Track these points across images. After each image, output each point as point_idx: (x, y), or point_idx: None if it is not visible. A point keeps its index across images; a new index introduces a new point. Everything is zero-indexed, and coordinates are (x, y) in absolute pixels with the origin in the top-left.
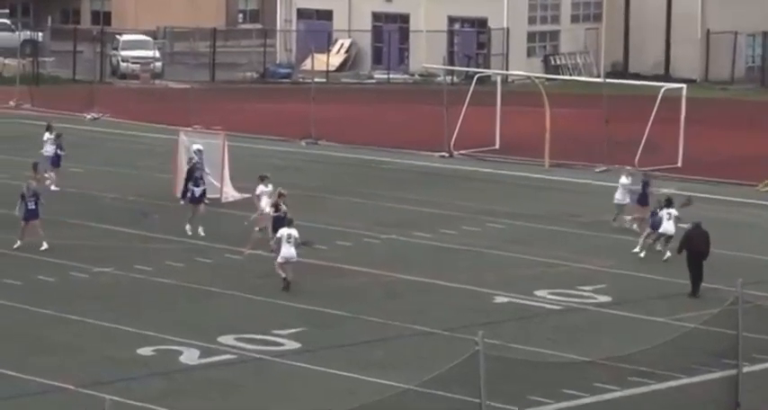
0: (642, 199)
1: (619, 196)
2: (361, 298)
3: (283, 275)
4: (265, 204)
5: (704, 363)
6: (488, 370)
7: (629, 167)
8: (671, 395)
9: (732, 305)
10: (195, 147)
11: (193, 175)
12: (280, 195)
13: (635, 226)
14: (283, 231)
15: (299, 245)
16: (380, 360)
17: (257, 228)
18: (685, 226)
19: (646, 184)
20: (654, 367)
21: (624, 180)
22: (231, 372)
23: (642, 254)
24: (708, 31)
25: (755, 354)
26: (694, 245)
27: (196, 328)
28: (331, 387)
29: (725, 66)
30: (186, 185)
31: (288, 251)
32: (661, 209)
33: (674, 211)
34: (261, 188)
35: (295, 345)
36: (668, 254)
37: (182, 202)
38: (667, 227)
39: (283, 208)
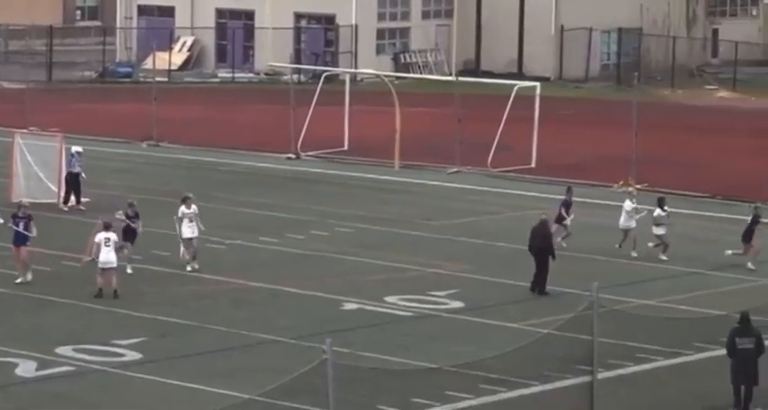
0: (746, 235)
1: (623, 221)
2: (206, 306)
3: (100, 282)
4: (186, 229)
5: (558, 370)
6: (337, 379)
7: (631, 189)
8: (524, 402)
9: (587, 310)
10: (74, 149)
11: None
12: (130, 205)
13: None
14: (101, 235)
15: (118, 248)
16: (225, 370)
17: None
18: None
19: (755, 220)
20: (507, 374)
21: (629, 205)
22: (70, 384)
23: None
24: (561, 27)
25: (611, 360)
26: (534, 241)
27: (33, 339)
28: (174, 399)
29: (579, 63)
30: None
31: (106, 256)
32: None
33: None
34: (182, 210)
35: (136, 356)
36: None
37: (65, 208)
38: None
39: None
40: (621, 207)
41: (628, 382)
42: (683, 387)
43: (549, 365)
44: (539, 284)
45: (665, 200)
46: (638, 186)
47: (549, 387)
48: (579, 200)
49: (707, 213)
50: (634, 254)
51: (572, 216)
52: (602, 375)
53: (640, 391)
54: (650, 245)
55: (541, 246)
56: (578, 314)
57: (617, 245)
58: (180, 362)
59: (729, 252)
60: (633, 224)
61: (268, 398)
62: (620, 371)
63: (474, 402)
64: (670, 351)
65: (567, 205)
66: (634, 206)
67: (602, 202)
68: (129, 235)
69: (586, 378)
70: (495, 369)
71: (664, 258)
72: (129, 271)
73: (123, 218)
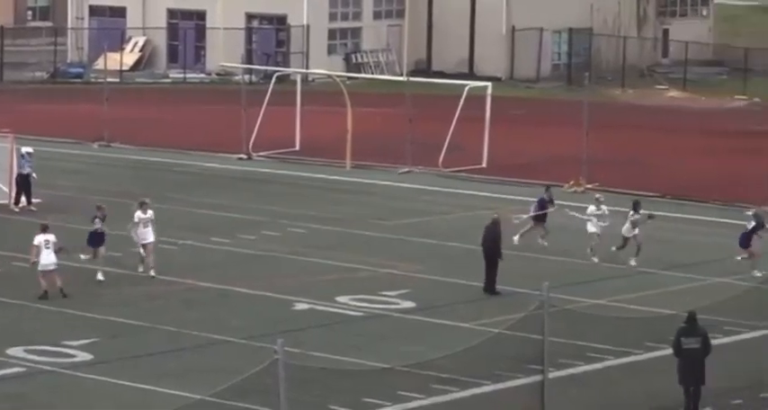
0: (744, 239)
1: (589, 227)
2: (158, 307)
3: (43, 284)
4: (141, 233)
5: (509, 369)
6: (288, 379)
7: (598, 195)
8: (476, 402)
9: (538, 309)
10: (24, 150)
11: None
12: (99, 208)
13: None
14: (40, 237)
15: (58, 250)
16: (176, 371)
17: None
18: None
19: (758, 226)
20: (458, 373)
21: (592, 210)
22: (21, 385)
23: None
24: (513, 27)
25: (562, 359)
26: (485, 240)
27: None
28: (124, 399)
29: (530, 63)
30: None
31: (47, 258)
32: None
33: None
34: (138, 215)
35: (87, 356)
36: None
37: (16, 209)
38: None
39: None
40: (585, 211)
41: (578, 381)
42: (633, 386)
43: (500, 364)
44: (490, 284)
45: (640, 204)
46: (589, 185)
47: (500, 386)
48: (530, 199)
49: (657, 212)
50: (595, 259)
51: (530, 214)
52: (553, 374)
53: (591, 390)
54: (613, 248)
55: (490, 247)
56: (529, 313)
57: (613, 248)
58: (131, 363)
59: (739, 258)
60: (597, 229)
61: (219, 399)
62: (571, 371)
63: (425, 402)
64: (620, 350)
65: (541, 203)
66: (599, 213)
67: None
68: (97, 239)
69: (537, 378)
70: (446, 369)
71: (633, 263)
72: (100, 277)
73: (99, 225)
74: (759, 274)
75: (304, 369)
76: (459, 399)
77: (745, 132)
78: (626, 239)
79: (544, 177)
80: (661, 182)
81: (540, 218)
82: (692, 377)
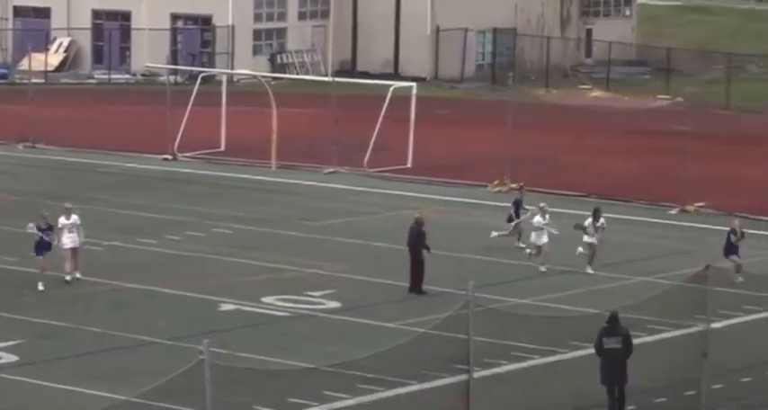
0: (728, 250)
1: (533, 237)
2: (84, 308)
3: None
4: (66, 239)
5: (435, 369)
6: (214, 380)
7: (543, 204)
8: (402, 402)
9: (463, 309)
10: None
11: None
12: (43, 217)
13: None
14: None
15: None
16: (102, 372)
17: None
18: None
19: (732, 233)
20: (384, 373)
21: (538, 220)
22: None
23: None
24: (437, 27)
25: (487, 359)
26: (409, 240)
27: None
28: (50, 401)
29: (455, 64)
30: None
31: None
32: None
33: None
34: (62, 221)
35: (13, 358)
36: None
37: None
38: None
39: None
40: (531, 223)
41: (504, 381)
42: (558, 385)
43: (425, 364)
44: (416, 284)
45: (600, 211)
46: (514, 185)
47: (426, 386)
48: (455, 199)
49: (582, 212)
50: (542, 269)
51: (525, 216)
52: (478, 374)
53: (516, 390)
54: (580, 250)
55: (415, 245)
56: (454, 313)
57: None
58: (57, 364)
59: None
60: (545, 239)
61: (145, 400)
62: (496, 370)
63: (351, 402)
64: (545, 349)
65: (517, 204)
66: (545, 222)
67: (478, 202)
68: (42, 247)
69: (463, 377)
70: (372, 369)
71: (590, 272)
72: (40, 287)
73: (35, 231)
74: (743, 280)
75: (230, 369)
76: (385, 399)
77: (668, 132)
78: (590, 246)
79: (469, 177)
80: (585, 182)
81: (511, 219)
82: (614, 376)
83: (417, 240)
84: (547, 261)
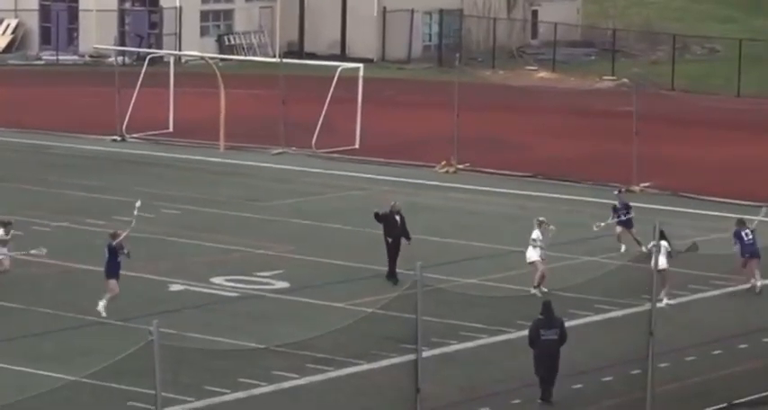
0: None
1: (529, 253)
2: (33, 289)
3: None
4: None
5: (384, 348)
6: (163, 360)
7: (542, 218)
8: (351, 381)
9: (411, 289)
10: None
11: None
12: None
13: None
14: None
15: None
16: (52, 352)
17: None
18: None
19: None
20: (333, 353)
21: (536, 234)
22: None
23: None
24: (384, 8)
25: (434, 338)
26: (390, 230)
27: None
28: (0, 382)
29: (402, 45)
30: None
31: None
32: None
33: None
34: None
35: None
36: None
37: None
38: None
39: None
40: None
41: (452, 360)
42: (505, 364)
43: (374, 344)
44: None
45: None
46: (461, 166)
47: (375, 365)
48: (402, 180)
49: (528, 192)
50: (543, 290)
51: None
52: (426, 353)
53: (464, 368)
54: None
55: (398, 235)
56: (402, 293)
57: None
58: (5, 345)
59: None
60: (536, 256)
61: (94, 380)
62: (445, 349)
63: (301, 381)
64: (492, 328)
65: (625, 207)
66: (539, 236)
67: (426, 182)
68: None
69: (411, 357)
70: (321, 349)
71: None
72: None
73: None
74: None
75: (179, 350)
76: (335, 378)
77: (613, 113)
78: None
79: (416, 158)
80: (532, 163)
81: (624, 224)
82: (550, 366)
83: (402, 230)
84: (542, 282)
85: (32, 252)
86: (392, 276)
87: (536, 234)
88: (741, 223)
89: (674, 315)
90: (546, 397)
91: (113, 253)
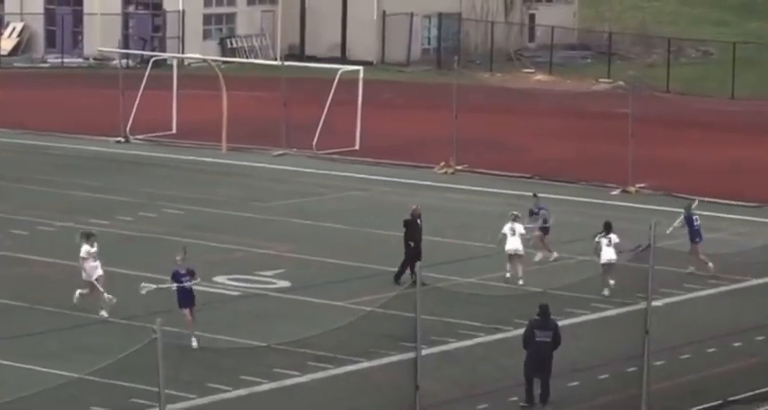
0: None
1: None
2: (38, 288)
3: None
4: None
5: (383, 347)
6: (167, 358)
7: (515, 212)
8: (352, 379)
9: (410, 287)
10: None
11: None
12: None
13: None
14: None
15: None
16: (56, 350)
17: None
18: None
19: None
20: (333, 351)
21: (519, 227)
22: None
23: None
24: (384, 12)
25: (434, 336)
26: (411, 235)
27: None
28: (3, 379)
29: (401, 48)
30: None
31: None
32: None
33: (614, 237)
34: (86, 249)
35: None
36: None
37: None
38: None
39: None
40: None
41: (450, 358)
42: (502, 362)
43: (374, 342)
44: (403, 272)
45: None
46: (459, 167)
47: (374, 363)
48: (402, 181)
49: (525, 193)
50: (521, 281)
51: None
52: (425, 351)
53: (462, 366)
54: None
55: (419, 240)
56: (402, 292)
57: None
58: (10, 343)
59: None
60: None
61: (99, 378)
62: (443, 347)
63: (302, 379)
64: (490, 327)
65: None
66: (525, 226)
67: (424, 183)
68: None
69: (410, 355)
70: (322, 347)
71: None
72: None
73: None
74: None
75: (182, 348)
76: (335, 376)
77: (609, 115)
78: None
79: (415, 159)
80: (529, 164)
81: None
82: (541, 369)
83: (417, 232)
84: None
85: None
86: (399, 277)
87: (508, 226)
88: (689, 208)
89: (669, 313)
90: (543, 399)
91: (177, 279)
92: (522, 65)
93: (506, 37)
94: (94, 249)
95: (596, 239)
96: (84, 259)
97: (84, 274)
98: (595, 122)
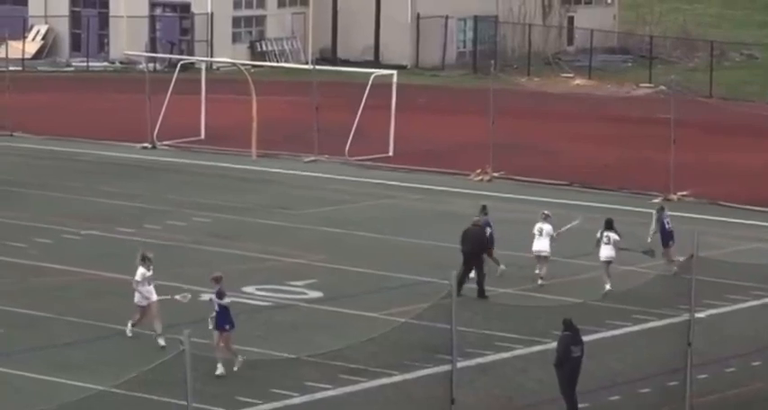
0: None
1: (540, 246)
2: (63, 298)
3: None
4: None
5: (418, 359)
6: (195, 371)
7: (546, 211)
8: (385, 392)
9: (445, 298)
10: None
11: None
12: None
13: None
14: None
15: None
16: (80, 362)
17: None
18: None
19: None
20: (366, 364)
21: (547, 227)
22: None
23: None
24: (418, 15)
25: (468, 349)
26: (473, 246)
27: None
28: (27, 391)
29: (436, 51)
30: None
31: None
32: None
33: (613, 235)
34: (142, 272)
35: None
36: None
37: None
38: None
39: None
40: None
41: (486, 370)
42: (540, 375)
43: (408, 354)
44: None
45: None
46: (496, 174)
47: (408, 376)
48: (436, 188)
49: (564, 201)
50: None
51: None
52: (461, 363)
53: (499, 379)
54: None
55: (476, 251)
56: (437, 302)
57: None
58: (34, 355)
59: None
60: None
61: (124, 390)
62: (479, 360)
63: (334, 392)
64: (528, 339)
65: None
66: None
67: (459, 191)
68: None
69: (446, 367)
70: (354, 359)
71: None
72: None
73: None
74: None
75: (211, 360)
76: (368, 389)
77: (650, 120)
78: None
79: (451, 166)
80: (567, 171)
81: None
82: (575, 383)
83: (481, 244)
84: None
85: (177, 297)
86: (460, 285)
87: (537, 226)
88: (662, 210)
89: (712, 325)
90: None
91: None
92: (561, 69)
93: (544, 40)
94: (150, 273)
95: (597, 236)
96: (138, 282)
97: (137, 298)
98: (636, 128)
